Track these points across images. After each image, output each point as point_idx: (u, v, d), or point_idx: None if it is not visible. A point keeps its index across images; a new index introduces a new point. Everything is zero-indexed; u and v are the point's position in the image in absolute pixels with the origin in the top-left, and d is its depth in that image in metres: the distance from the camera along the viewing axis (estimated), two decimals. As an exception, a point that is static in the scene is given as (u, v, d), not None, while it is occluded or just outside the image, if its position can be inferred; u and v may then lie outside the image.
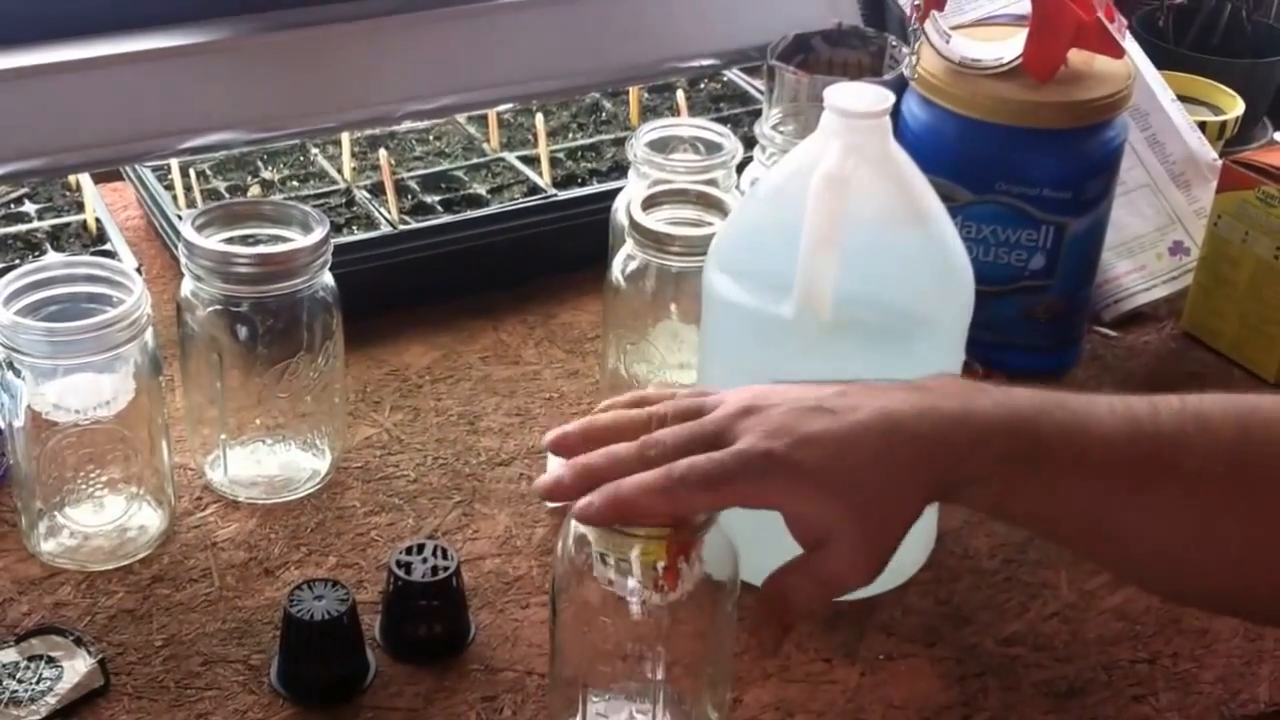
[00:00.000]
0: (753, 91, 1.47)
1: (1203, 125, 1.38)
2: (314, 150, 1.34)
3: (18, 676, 0.88)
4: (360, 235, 1.21)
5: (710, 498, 0.74)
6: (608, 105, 1.45)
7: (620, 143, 1.35)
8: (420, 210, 1.27)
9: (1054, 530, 0.79)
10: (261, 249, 1.00)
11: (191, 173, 1.27)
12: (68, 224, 1.23)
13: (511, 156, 1.34)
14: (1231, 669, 0.95)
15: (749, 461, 0.73)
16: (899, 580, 1.00)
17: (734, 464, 0.73)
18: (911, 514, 0.75)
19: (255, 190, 1.29)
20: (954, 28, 1.19)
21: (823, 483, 0.73)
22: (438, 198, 1.28)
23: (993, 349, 1.10)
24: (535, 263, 1.28)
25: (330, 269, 1.02)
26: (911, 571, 1.00)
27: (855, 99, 0.87)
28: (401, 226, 1.23)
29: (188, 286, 1.00)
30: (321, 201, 1.25)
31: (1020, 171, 1.13)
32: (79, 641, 0.90)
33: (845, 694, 0.91)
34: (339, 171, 1.31)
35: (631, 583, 0.77)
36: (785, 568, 0.77)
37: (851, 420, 0.73)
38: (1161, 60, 1.42)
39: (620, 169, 1.31)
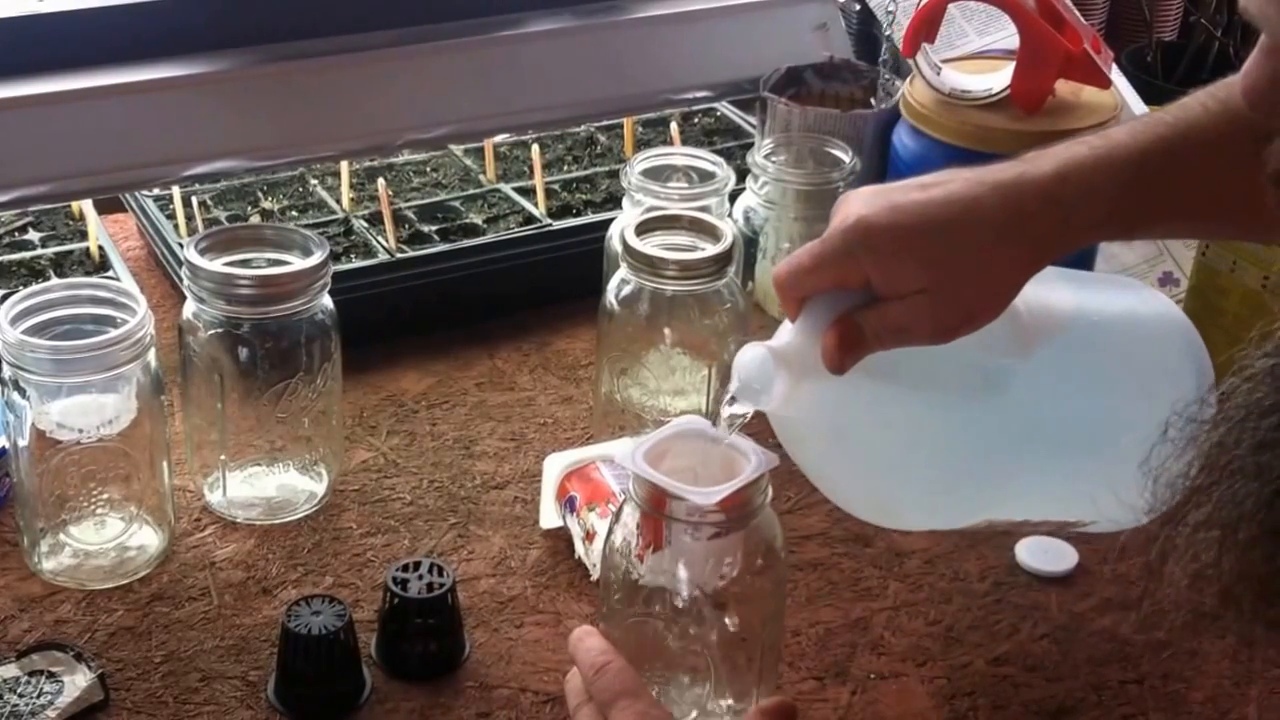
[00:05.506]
0: (745, 125, 1.49)
1: (1190, 158, 1.40)
2: (313, 181, 1.36)
3: (19, 691, 0.88)
4: (358, 264, 1.23)
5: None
6: (603, 138, 1.47)
7: (614, 175, 1.36)
8: (417, 239, 1.28)
9: None
10: (263, 271, 1.01)
11: (193, 202, 1.28)
12: (71, 251, 1.24)
13: (507, 188, 1.36)
14: (1220, 689, 0.95)
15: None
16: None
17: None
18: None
19: (255, 220, 1.30)
20: (945, 61, 1.22)
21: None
22: (434, 227, 1.30)
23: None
24: (530, 291, 1.29)
25: (329, 295, 1.04)
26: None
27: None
28: (399, 255, 1.24)
29: (189, 309, 1.02)
30: (320, 231, 1.26)
31: (1009, 200, 1.14)
32: (79, 657, 0.91)
33: (836, 712, 0.92)
34: (337, 201, 1.32)
35: (683, 572, 0.79)
36: (862, 310, 0.78)
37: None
38: (1151, 95, 1.44)
39: (614, 200, 1.33)
